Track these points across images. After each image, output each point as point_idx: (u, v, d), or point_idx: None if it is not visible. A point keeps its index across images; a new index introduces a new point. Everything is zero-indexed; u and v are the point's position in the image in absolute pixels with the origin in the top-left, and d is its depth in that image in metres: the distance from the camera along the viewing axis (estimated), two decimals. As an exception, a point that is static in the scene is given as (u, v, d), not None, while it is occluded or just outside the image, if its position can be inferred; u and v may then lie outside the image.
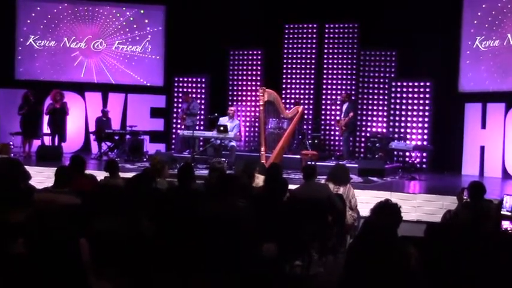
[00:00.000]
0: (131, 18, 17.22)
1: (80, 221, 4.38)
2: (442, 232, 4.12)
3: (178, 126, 16.18)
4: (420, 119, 14.72)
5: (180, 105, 16.13)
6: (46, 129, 15.48)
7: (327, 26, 15.80)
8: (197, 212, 4.27)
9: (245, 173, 7.71)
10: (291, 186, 8.97)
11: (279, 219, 4.82)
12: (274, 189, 6.00)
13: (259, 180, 7.78)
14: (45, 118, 15.45)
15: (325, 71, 15.84)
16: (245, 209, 5.02)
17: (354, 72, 15.56)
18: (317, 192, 7.06)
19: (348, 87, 15.45)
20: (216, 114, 14.04)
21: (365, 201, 9.54)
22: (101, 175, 8.15)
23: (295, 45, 16.10)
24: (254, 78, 16.45)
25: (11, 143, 14.93)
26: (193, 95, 16.12)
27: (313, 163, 11.49)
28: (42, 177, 10.97)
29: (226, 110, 14.38)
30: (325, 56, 15.81)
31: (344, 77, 15.66)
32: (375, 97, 15.40)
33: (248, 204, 5.49)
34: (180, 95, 16.59)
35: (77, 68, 17.19)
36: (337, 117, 14.96)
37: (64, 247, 3.85)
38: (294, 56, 16.11)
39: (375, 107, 15.39)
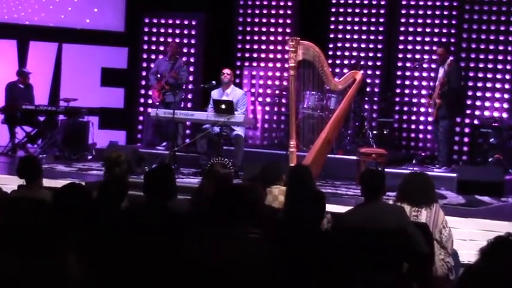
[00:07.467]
0: None
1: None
2: None
3: (149, 101, 16.20)
4: None
5: (152, 64, 16.11)
6: None
7: None
8: (175, 249, 4.26)
9: (262, 184, 7.70)
10: (342, 209, 8.97)
11: (314, 264, 4.80)
12: (300, 207, 6.00)
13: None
14: None
15: (403, 11, 15.79)
16: (259, 246, 5.01)
17: (454, 14, 15.49)
18: (383, 222, 6.99)
19: (443, 41, 15.37)
20: (214, 82, 14.04)
21: (468, 237, 9.53)
22: (12, 183, 8.17)
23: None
24: (281, 22, 16.46)
25: None
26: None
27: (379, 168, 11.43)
28: None
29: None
30: (404, -13, 15.83)
31: (436, 22, 15.58)
32: (489, 58, 15.31)
33: (264, 237, 5.49)
34: (154, 47, 16.62)
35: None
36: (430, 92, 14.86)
37: None
38: (350, -14, 16.15)
39: (489, 76, 15.30)
